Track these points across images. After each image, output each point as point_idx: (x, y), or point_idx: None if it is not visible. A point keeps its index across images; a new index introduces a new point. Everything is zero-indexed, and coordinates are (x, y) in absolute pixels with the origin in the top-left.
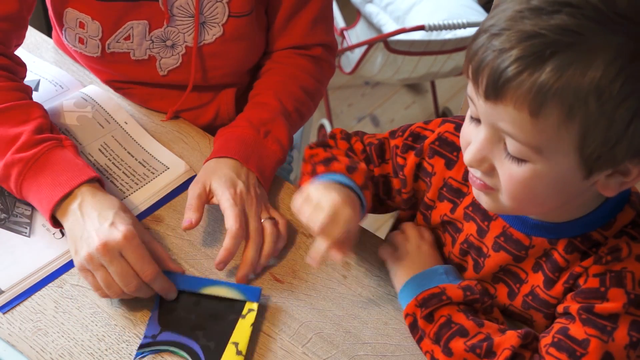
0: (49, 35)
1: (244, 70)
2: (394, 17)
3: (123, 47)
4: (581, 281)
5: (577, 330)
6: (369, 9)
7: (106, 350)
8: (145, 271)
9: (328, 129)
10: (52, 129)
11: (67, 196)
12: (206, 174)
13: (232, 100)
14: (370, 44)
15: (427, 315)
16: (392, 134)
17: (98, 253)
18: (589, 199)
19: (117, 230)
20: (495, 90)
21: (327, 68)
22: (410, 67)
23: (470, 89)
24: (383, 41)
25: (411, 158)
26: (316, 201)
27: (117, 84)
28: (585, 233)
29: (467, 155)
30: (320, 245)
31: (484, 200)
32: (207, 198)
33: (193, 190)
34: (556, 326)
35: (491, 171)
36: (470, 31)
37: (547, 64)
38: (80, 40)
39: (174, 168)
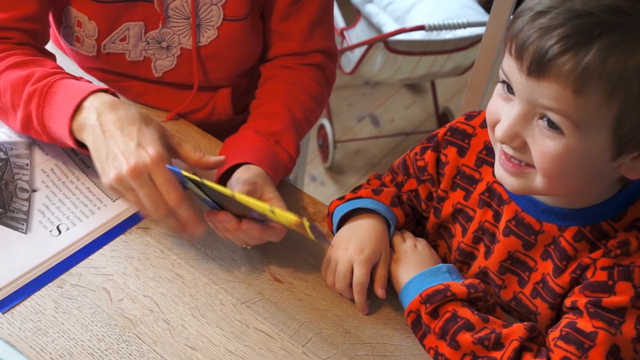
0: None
1: (239, 72)
2: (394, 17)
3: (119, 48)
4: (589, 274)
5: (585, 323)
6: (369, 9)
7: (106, 350)
8: (170, 195)
9: (328, 129)
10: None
11: (81, 109)
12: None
13: (229, 97)
14: (370, 44)
15: (431, 311)
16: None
17: (127, 176)
18: (607, 186)
19: (145, 152)
20: (539, 67)
21: (330, 76)
22: (410, 67)
23: (508, 65)
24: (383, 41)
25: (429, 155)
26: (334, 266)
27: (112, 77)
28: (595, 223)
29: (500, 131)
30: (360, 299)
31: (510, 181)
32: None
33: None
34: (564, 321)
35: (523, 147)
36: (470, 31)
37: (594, 44)
38: (77, 39)
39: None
